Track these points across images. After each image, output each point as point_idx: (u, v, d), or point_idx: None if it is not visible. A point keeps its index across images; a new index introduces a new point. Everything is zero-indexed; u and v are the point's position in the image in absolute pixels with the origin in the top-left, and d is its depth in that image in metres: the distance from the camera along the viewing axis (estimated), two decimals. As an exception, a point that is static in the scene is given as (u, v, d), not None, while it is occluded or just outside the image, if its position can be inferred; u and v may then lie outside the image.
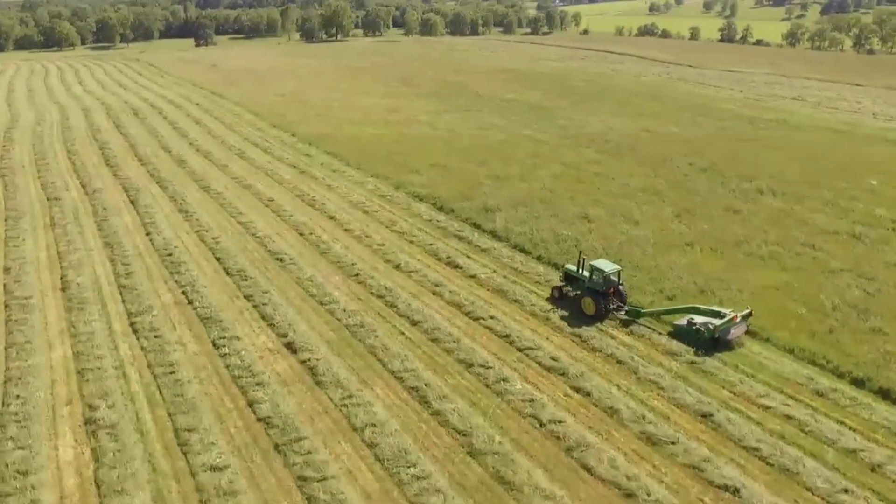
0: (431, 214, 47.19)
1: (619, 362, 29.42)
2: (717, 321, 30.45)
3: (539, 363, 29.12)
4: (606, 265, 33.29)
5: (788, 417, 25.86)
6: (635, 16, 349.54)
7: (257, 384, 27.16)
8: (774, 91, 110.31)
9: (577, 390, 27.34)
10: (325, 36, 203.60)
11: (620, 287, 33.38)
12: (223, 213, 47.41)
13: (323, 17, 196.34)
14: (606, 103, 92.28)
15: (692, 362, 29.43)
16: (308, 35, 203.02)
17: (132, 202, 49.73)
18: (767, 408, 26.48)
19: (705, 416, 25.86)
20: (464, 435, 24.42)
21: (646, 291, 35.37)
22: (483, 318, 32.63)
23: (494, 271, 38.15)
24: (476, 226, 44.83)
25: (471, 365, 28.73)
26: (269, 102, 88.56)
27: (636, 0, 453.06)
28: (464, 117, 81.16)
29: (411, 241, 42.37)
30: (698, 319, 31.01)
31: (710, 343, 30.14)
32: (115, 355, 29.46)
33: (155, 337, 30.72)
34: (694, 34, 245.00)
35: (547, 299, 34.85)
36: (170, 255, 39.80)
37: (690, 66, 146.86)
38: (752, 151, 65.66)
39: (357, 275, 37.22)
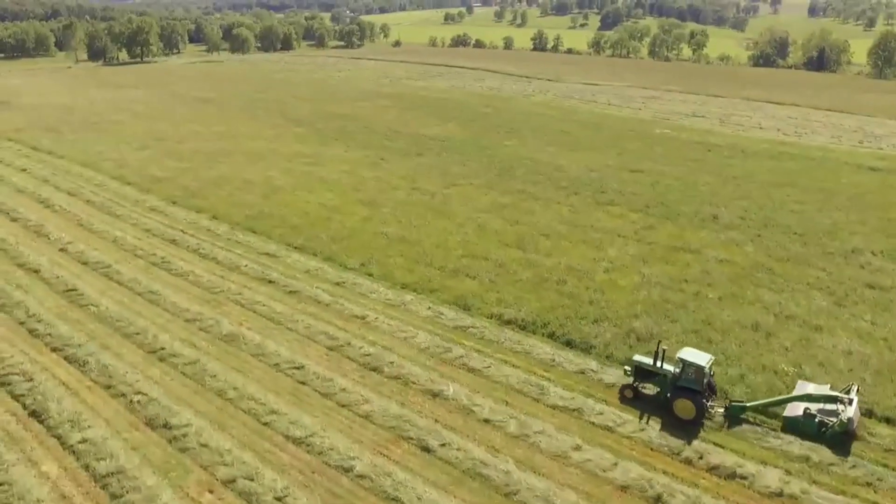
0: (556, 354, 30.69)
1: None
2: (841, 408, 25.57)
3: None
4: (699, 356, 27.14)
5: None
6: (433, 25, 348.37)
7: None
8: (663, 106, 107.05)
9: None
10: (126, 57, 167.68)
11: (711, 379, 27.89)
12: (250, 430, 25.89)
13: (121, 34, 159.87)
14: (541, 134, 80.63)
15: None
16: (97, 55, 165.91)
17: (35, 415, 25.90)
18: None
19: None
20: None
21: None
22: None
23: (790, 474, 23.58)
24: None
25: None
26: (137, 160, 62.43)
27: (426, 10, 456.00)
28: (414, 167, 63.99)
29: (608, 429, 25.93)
30: (815, 408, 26.02)
31: (840, 437, 25.22)
32: None
33: None
34: (508, 44, 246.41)
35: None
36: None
37: (549, 79, 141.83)
38: (764, 193, 57.55)
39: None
